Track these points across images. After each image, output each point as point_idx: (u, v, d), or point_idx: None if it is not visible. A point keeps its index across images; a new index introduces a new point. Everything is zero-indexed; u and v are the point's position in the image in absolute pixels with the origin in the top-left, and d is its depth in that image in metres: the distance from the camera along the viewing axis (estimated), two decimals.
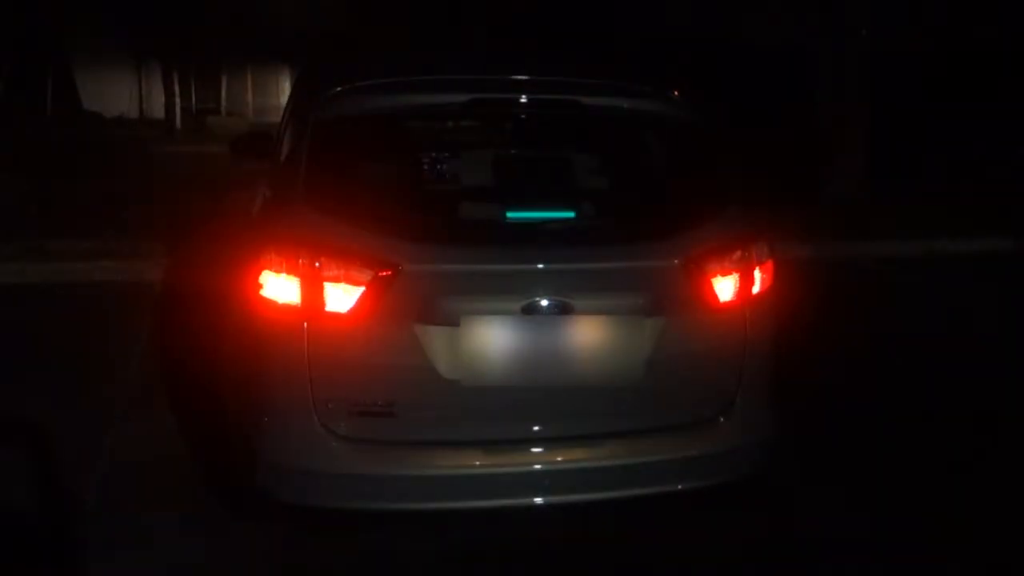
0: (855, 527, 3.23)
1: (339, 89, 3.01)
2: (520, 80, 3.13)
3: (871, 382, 4.63)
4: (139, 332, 5.15)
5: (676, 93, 3.22)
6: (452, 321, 2.65)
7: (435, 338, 2.64)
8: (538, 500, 2.80)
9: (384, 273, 2.62)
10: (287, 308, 2.65)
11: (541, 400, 2.76)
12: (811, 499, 3.41)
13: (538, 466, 2.79)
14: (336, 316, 2.63)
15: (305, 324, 2.64)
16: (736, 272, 2.86)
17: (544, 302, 2.68)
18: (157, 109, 23.12)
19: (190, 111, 23.13)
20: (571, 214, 2.94)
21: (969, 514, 3.32)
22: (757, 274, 2.91)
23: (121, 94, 22.64)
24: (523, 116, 3.06)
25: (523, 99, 3.01)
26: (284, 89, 23.92)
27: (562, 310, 2.69)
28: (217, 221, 6.16)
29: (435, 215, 2.92)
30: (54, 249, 6.79)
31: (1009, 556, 3.08)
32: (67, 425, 3.77)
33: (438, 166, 3.09)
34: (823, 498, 3.43)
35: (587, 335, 2.74)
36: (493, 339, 2.69)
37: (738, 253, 2.87)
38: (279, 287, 2.65)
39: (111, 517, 3.14)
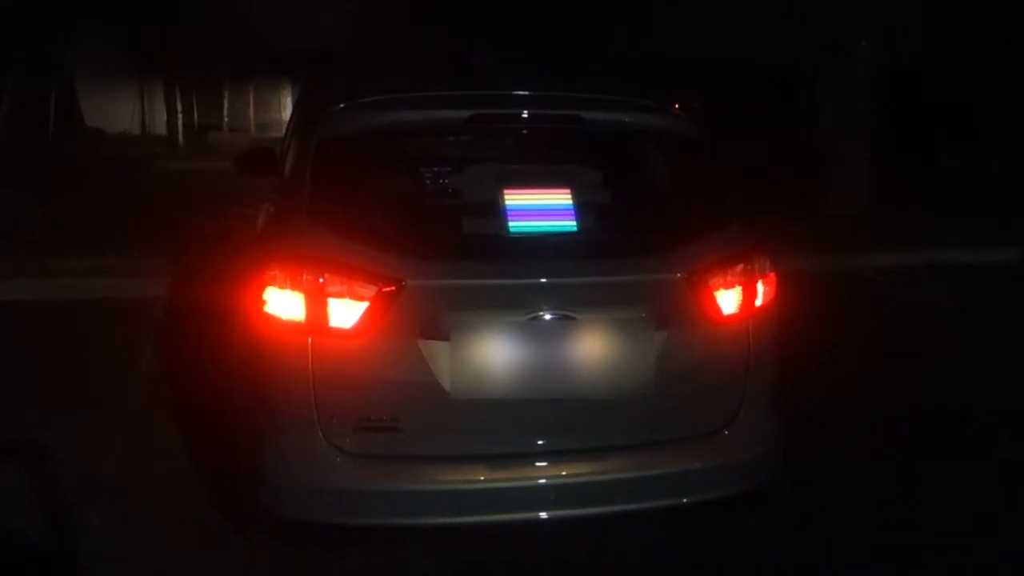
0: (861, 537, 3.22)
1: (342, 106, 3.03)
2: (522, 95, 3.15)
3: (875, 391, 4.64)
4: (141, 349, 5.15)
5: (677, 107, 3.23)
6: (456, 336, 2.65)
7: (439, 353, 2.65)
8: (542, 514, 2.79)
9: (388, 288, 2.62)
10: (291, 324, 2.65)
11: (545, 414, 2.76)
12: (818, 509, 3.40)
13: (542, 480, 2.79)
14: (340, 332, 2.63)
15: (309, 340, 2.64)
16: (739, 285, 2.86)
17: (548, 316, 2.68)
18: (160, 125, 23.23)
19: (192, 127, 23.24)
20: (574, 228, 2.94)
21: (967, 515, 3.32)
22: (760, 287, 2.91)
23: (124, 111, 22.69)
24: (525, 131, 3.07)
25: (525, 114, 3.02)
26: (286, 105, 24.01)
27: (566, 324, 2.70)
28: (220, 237, 6.18)
29: (438, 230, 2.93)
30: (55, 266, 6.80)
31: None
32: (70, 442, 3.77)
33: (441, 181, 3.10)
34: (830, 508, 3.42)
35: (591, 349, 2.74)
36: (497, 353, 2.69)
37: (741, 266, 2.87)
38: (283, 303, 2.66)
39: (115, 534, 3.14)
